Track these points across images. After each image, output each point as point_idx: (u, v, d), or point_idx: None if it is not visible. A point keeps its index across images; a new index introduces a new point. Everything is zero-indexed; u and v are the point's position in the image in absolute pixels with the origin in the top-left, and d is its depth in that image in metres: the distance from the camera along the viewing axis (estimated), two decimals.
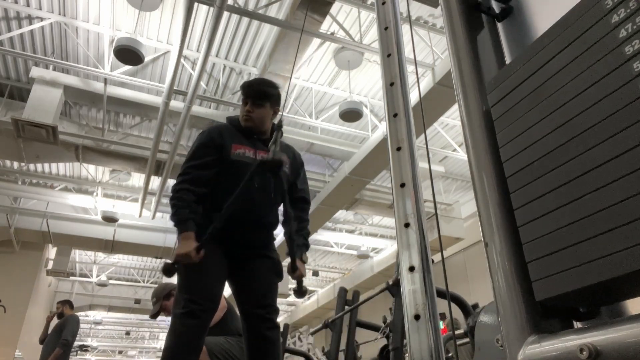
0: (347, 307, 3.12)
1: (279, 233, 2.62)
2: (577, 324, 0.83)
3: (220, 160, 2.06)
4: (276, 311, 2.05)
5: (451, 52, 1.08)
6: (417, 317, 1.00)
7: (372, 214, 9.92)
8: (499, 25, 1.26)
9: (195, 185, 2.00)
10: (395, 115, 1.25)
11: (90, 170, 8.48)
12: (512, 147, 0.86)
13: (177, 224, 1.94)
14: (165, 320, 18.36)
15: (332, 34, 5.49)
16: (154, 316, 2.97)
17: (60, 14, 5.55)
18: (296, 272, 2.03)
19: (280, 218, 2.20)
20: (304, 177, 2.32)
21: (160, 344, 21.77)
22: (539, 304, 0.77)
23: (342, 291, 3.25)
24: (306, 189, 2.31)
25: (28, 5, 5.41)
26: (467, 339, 2.58)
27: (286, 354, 4.41)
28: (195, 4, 4.52)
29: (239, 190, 1.89)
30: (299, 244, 2.10)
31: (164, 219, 10.13)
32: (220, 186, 2.04)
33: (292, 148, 2.32)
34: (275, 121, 2.23)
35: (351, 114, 6.31)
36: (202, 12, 5.49)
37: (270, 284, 2.09)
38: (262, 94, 2.15)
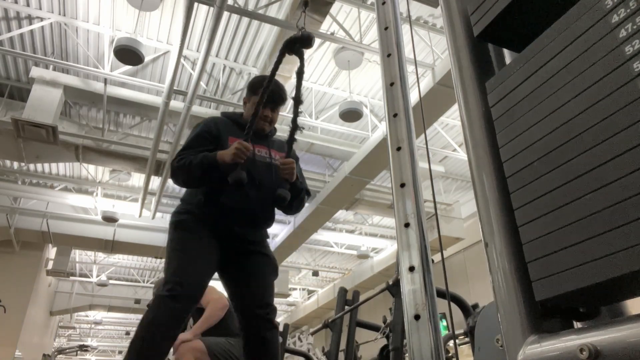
0: (347, 307, 3.12)
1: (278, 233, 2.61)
2: (577, 324, 0.83)
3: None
4: (274, 311, 2.06)
5: (451, 52, 1.08)
6: (417, 317, 1.00)
7: (372, 214, 9.92)
8: None
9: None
10: (395, 115, 1.25)
11: (90, 170, 8.47)
12: (512, 147, 0.86)
13: (203, 166, 1.93)
14: None
15: (332, 34, 5.49)
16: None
17: (60, 14, 5.55)
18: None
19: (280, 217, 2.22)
20: (300, 172, 2.32)
21: None
22: (539, 304, 0.77)
23: (342, 291, 3.25)
24: (303, 182, 2.30)
25: (28, 5, 5.41)
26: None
27: (286, 354, 4.41)
28: (195, 4, 4.52)
29: (237, 173, 1.90)
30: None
31: (164, 219, 10.13)
32: (215, 178, 2.03)
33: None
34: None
35: (351, 114, 6.31)
36: (202, 12, 5.49)
37: (268, 283, 2.09)
38: (284, 100, 2.27)
